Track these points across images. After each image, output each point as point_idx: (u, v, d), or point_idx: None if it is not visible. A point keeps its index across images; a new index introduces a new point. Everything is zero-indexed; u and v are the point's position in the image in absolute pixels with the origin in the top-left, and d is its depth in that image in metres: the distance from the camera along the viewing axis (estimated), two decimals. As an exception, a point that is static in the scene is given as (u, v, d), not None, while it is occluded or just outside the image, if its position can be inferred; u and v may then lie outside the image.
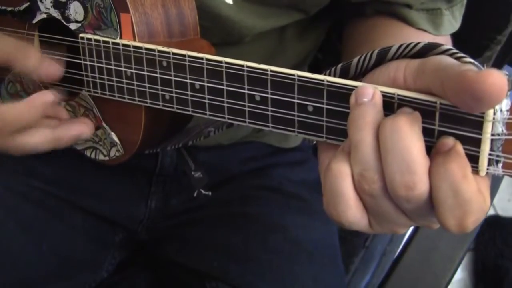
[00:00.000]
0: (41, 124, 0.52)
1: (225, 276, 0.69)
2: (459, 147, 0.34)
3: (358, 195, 0.37)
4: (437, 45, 0.38)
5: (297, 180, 0.79)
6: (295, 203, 0.76)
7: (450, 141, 0.34)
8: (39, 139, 0.52)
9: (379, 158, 0.35)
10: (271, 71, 0.40)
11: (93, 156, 0.58)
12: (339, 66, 0.41)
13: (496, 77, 0.30)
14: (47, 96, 0.50)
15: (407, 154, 0.33)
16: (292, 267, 0.70)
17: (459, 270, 0.87)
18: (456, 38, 0.63)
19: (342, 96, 0.38)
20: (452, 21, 0.62)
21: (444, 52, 0.37)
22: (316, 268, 0.71)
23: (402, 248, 0.85)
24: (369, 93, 0.36)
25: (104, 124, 0.55)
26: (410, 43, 0.38)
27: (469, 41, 0.67)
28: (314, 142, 0.43)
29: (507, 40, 0.79)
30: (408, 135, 0.33)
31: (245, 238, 0.72)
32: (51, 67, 0.51)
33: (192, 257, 0.72)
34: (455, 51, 0.37)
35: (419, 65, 0.36)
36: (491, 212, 1.55)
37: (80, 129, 0.53)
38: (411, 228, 0.86)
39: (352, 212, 0.37)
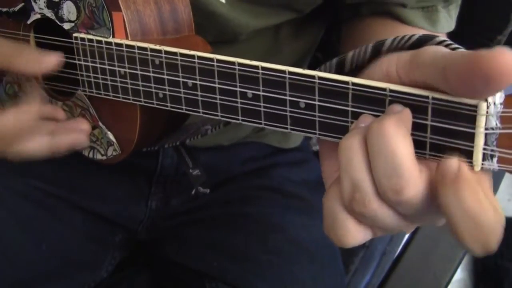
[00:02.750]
0: (38, 129, 0.52)
1: (224, 276, 0.69)
2: (464, 169, 0.32)
3: (356, 218, 0.35)
4: (432, 37, 0.37)
5: (297, 180, 0.79)
6: (295, 203, 0.76)
7: (453, 164, 0.32)
8: (36, 146, 0.52)
9: (369, 167, 0.34)
10: (262, 67, 0.40)
11: (91, 155, 0.58)
12: (334, 60, 0.40)
13: (509, 56, 0.28)
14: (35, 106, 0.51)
15: (392, 158, 0.32)
16: (292, 267, 0.70)
17: (459, 270, 0.86)
18: (456, 38, 0.62)
19: (334, 92, 0.37)
20: (448, 19, 0.61)
21: (439, 43, 0.37)
22: (316, 268, 0.71)
23: (402, 248, 0.85)
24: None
25: (100, 124, 0.55)
26: (405, 36, 0.38)
27: (468, 41, 0.67)
28: (317, 147, 0.42)
29: (507, 40, 0.79)
30: (393, 138, 0.32)
31: (245, 238, 0.72)
32: (50, 59, 0.51)
33: (192, 257, 0.72)
34: (450, 42, 0.36)
35: (411, 58, 0.35)
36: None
37: (77, 138, 0.54)
38: (411, 228, 0.86)
39: (351, 235, 0.36)
